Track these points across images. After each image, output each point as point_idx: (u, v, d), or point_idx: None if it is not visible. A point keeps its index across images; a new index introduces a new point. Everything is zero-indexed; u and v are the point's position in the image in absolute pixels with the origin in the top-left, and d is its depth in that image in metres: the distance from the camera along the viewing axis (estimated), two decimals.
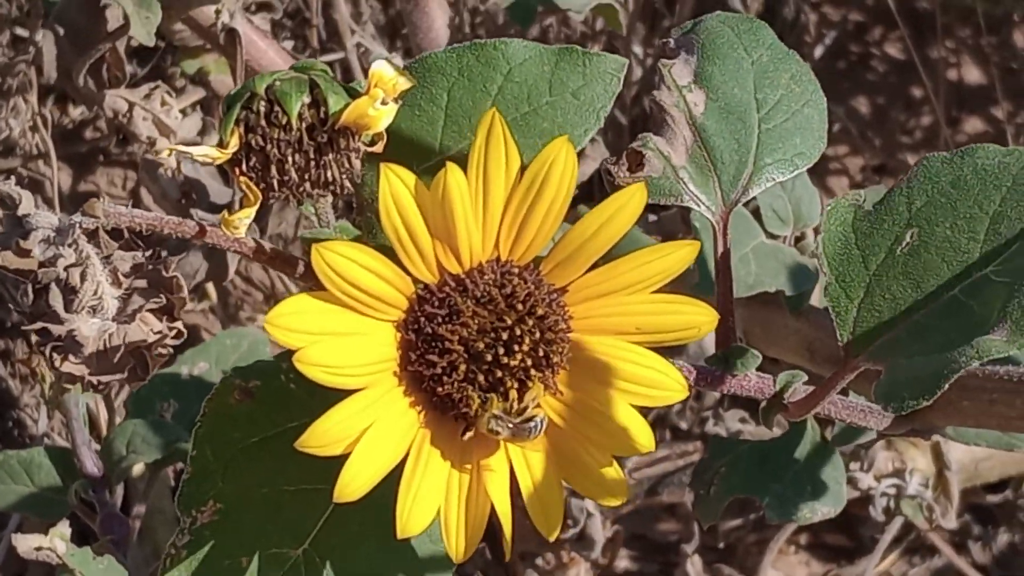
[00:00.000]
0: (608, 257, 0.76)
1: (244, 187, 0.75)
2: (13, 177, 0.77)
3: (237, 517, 0.81)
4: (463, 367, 0.74)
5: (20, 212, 0.73)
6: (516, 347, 0.74)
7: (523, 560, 1.66)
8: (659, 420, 1.80)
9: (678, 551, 1.70)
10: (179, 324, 0.76)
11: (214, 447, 0.81)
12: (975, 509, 1.80)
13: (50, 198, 1.75)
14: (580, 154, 0.75)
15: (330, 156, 0.76)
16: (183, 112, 1.49)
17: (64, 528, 1.11)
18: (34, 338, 0.74)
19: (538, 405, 0.75)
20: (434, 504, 0.74)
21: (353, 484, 0.72)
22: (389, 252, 0.74)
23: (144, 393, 1.40)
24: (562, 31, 1.93)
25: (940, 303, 0.84)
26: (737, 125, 0.89)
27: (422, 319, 0.75)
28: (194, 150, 0.74)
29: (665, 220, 1.42)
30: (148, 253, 0.76)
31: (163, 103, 1.44)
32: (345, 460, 0.72)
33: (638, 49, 1.90)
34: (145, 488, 1.37)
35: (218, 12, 1.31)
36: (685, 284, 1.17)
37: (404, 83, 0.76)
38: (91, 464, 1.27)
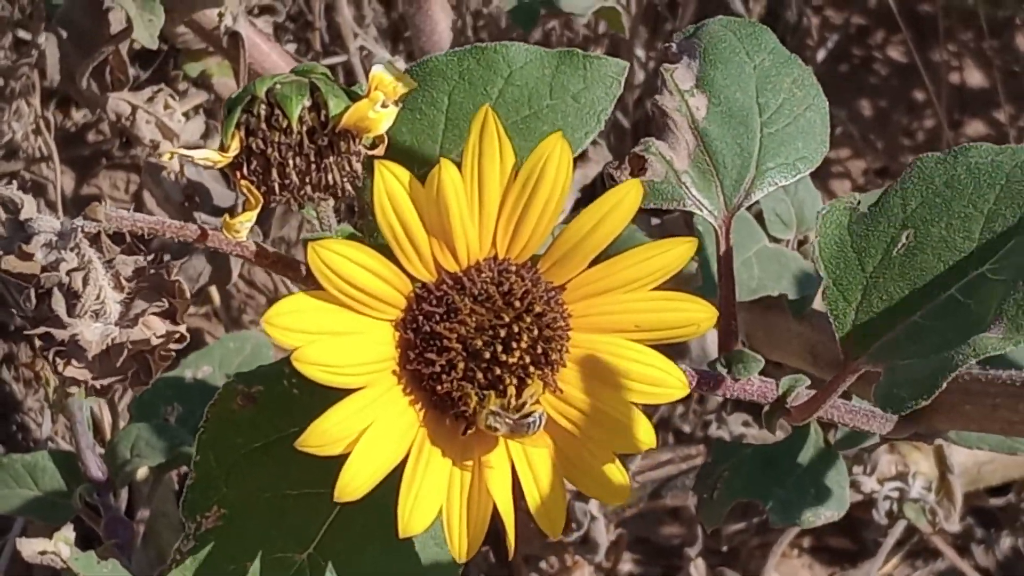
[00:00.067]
0: (607, 256, 0.76)
1: (245, 191, 0.76)
2: (16, 181, 0.77)
3: (241, 522, 0.81)
4: (462, 365, 0.74)
5: (22, 216, 0.73)
6: (514, 344, 0.74)
7: (527, 563, 1.66)
8: (662, 423, 1.80)
9: (681, 554, 1.70)
10: (182, 328, 0.76)
11: (217, 453, 0.81)
12: (978, 512, 1.80)
13: (53, 201, 1.75)
14: (583, 157, 0.75)
15: (331, 159, 0.76)
16: (186, 115, 1.49)
17: (68, 532, 1.11)
18: (37, 342, 0.74)
19: (536, 401, 0.75)
20: (436, 503, 0.74)
21: (353, 483, 0.72)
22: (387, 252, 0.74)
23: (148, 397, 1.40)
24: (564, 34, 1.93)
25: (937, 303, 0.84)
26: (739, 129, 0.89)
27: (420, 317, 0.75)
28: (195, 153, 0.75)
29: (668, 223, 1.42)
30: (151, 257, 0.76)
31: (166, 106, 1.44)
32: (345, 460, 0.72)
33: (640, 52, 1.90)
34: (149, 492, 1.37)
35: (221, 15, 1.31)
36: (688, 288, 1.17)
37: (405, 86, 0.76)
38: (95, 468, 1.27)
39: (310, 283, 0.79)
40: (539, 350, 0.75)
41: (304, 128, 0.75)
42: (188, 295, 0.76)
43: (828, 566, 1.78)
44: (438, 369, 0.74)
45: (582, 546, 1.62)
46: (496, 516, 0.76)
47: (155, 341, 0.75)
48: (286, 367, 0.81)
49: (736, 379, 0.87)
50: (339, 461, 0.72)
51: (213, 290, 1.84)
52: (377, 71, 0.75)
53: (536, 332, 0.75)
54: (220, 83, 1.75)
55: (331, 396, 0.72)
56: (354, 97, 0.76)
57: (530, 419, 0.74)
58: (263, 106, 0.75)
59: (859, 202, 0.87)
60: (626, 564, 1.75)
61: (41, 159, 1.81)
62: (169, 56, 1.83)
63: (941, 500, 1.50)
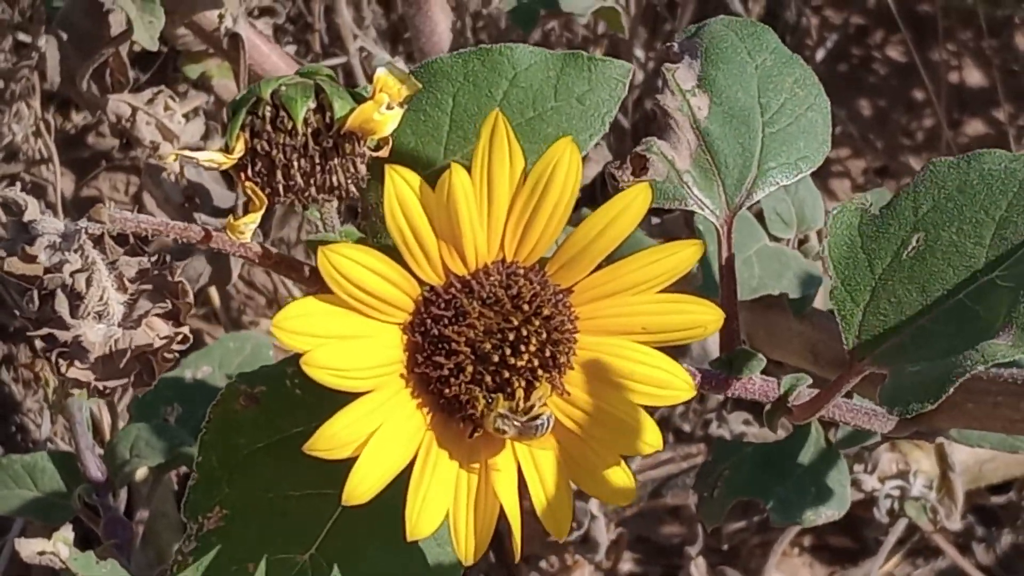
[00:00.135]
0: (612, 258, 0.76)
1: (249, 192, 0.76)
2: (18, 183, 0.77)
3: (244, 523, 0.81)
4: (470, 368, 0.74)
5: (26, 218, 0.73)
6: (523, 348, 0.74)
7: (527, 563, 1.66)
8: (662, 422, 1.80)
9: (682, 553, 1.70)
10: (185, 329, 0.76)
11: (220, 453, 0.81)
12: (979, 510, 1.80)
13: (53, 203, 1.75)
14: (584, 157, 0.75)
15: (335, 161, 0.76)
16: (186, 117, 1.49)
17: (67, 532, 1.11)
18: (39, 344, 0.74)
19: (544, 404, 0.75)
20: (443, 506, 0.74)
21: (362, 487, 0.72)
22: (394, 254, 0.74)
23: (148, 397, 1.40)
24: (564, 35, 1.93)
25: (946, 307, 0.84)
26: (741, 129, 0.89)
27: (428, 321, 0.75)
28: (200, 155, 0.75)
29: (668, 223, 1.42)
30: (153, 258, 0.76)
31: (166, 108, 1.44)
32: (351, 464, 0.72)
33: (640, 53, 1.90)
34: (148, 492, 1.37)
35: (221, 17, 1.31)
36: (688, 287, 1.17)
37: (409, 88, 0.76)
38: (95, 468, 1.26)
39: (311, 284, 0.79)
40: (547, 353, 0.75)
41: (309, 130, 0.75)
42: (191, 296, 0.76)
43: (829, 565, 1.78)
44: (446, 372, 0.74)
45: (582, 545, 1.63)
46: (500, 516, 0.76)
47: (158, 342, 0.75)
48: (289, 368, 0.81)
49: (738, 378, 0.87)
50: (342, 463, 0.72)
51: (213, 291, 1.84)
52: (382, 73, 0.75)
53: (544, 335, 0.75)
54: (220, 85, 1.75)
55: (334, 397, 0.72)
56: (359, 99, 0.76)
57: (538, 421, 0.75)
58: (268, 108, 0.75)
59: (870, 203, 0.87)
60: (626, 563, 1.75)
61: (41, 161, 1.81)
62: (169, 58, 1.83)
63: (942, 498, 1.50)
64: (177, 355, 0.76)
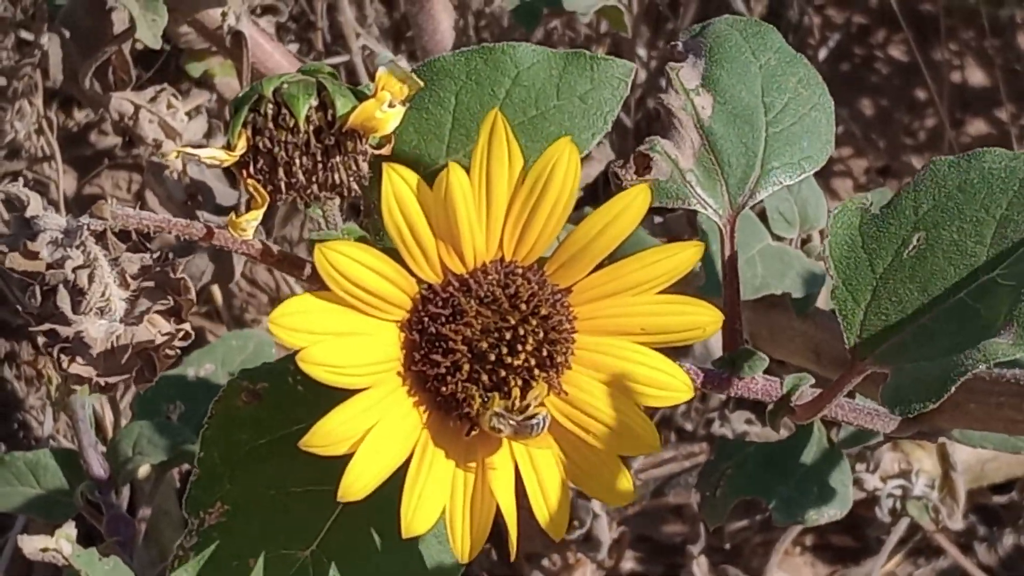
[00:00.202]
0: (613, 258, 0.76)
1: (252, 189, 0.76)
2: (20, 181, 0.77)
3: (245, 519, 0.81)
4: (467, 367, 0.74)
5: (28, 214, 0.73)
6: (520, 347, 0.74)
7: (529, 561, 1.66)
8: (664, 421, 1.80)
9: (684, 552, 1.70)
10: (187, 326, 0.76)
11: (221, 449, 0.81)
12: (981, 510, 1.80)
13: (55, 201, 1.75)
14: (586, 156, 0.75)
15: (337, 159, 0.76)
16: (189, 115, 1.49)
17: (70, 529, 1.12)
18: (41, 340, 0.74)
19: (541, 403, 0.75)
20: (439, 503, 0.74)
21: (357, 483, 0.72)
22: (394, 253, 0.74)
23: (150, 395, 1.40)
24: (566, 33, 1.93)
25: (947, 306, 0.84)
26: (744, 128, 0.89)
27: (426, 319, 0.75)
28: (202, 152, 0.75)
29: (671, 222, 1.42)
30: (156, 255, 0.76)
31: (169, 106, 1.45)
32: (350, 460, 0.72)
33: (642, 51, 1.90)
34: (151, 490, 1.38)
35: (224, 15, 1.31)
36: (691, 287, 1.18)
37: (411, 86, 0.76)
38: (97, 466, 1.27)
39: (314, 282, 0.79)
40: (544, 352, 0.75)
41: (311, 127, 0.75)
42: (193, 293, 0.76)
43: (831, 564, 1.78)
44: (443, 370, 0.74)
45: (584, 544, 1.63)
46: (499, 516, 0.76)
47: (160, 339, 0.75)
48: (291, 364, 0.81)
49: (741, 378, 0.87)
50: (343, 459, 0.72)
51: (215, 289, 1.84)
52: (384, 71, 0.75)
53: (542, 335, 0.75)
54: (222, 83, 1.75)
55: (336, 394, 0.72)
56: (361, 97, 0.76)
57: (534, 421, 0.74)
58: (270, 105, 0.75)
59: (871, 203, 0.87)
60: (628, 562, 1.75)
61: (43, 159, 1.81)
62: (171, 56, 1.83)
63: (944, 498, 1.50)
64: (179, 352, 0.76)
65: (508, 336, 0.74)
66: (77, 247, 0.73)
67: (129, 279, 0.75)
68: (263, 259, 0.79)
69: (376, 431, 0.73)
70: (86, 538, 1.17)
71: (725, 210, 0.89)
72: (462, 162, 0.73)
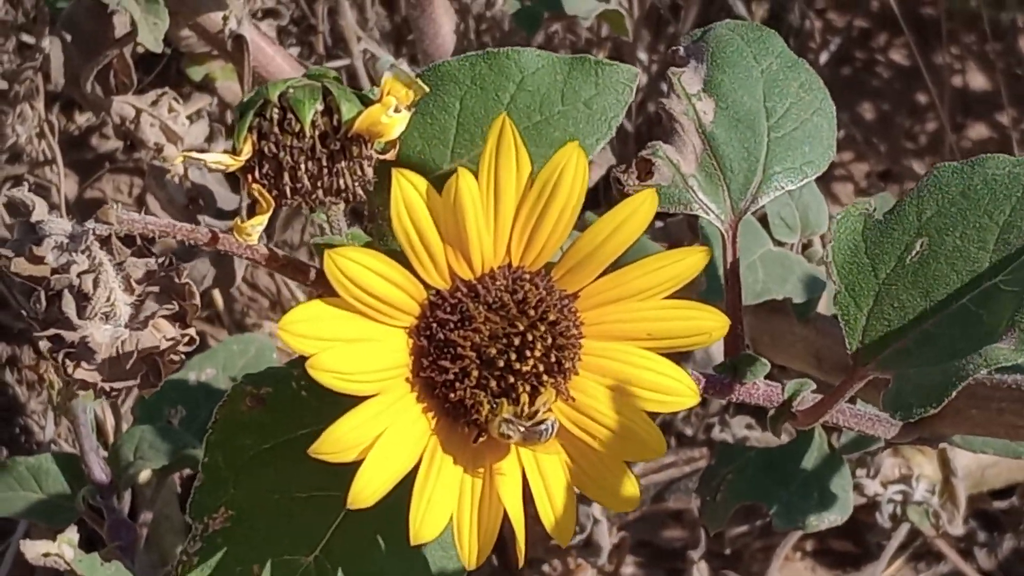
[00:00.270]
0: (617, 264, 0.76)
1: (256, 194, 0.76)
2: (25, 184, 0.77)
3: (249, 524, 0.81)
4: (475, 373, 0.74)
5: (33, 219, 0.73)
6: (528, 352, 0.74)
7: (530, 566, 1.66)
8: (665, 427, 1.80)
9: (684, 557, 1.70)
10: (191, 331, 0.76)
11: (226, 454, 0.81)
12: (981, 515, 1.80)
13: (57, 205, 1.75)
14: (589, 162, 0.75)
15: (343, 163, 0.76)
16: (190, 118, 1.49)
17: (72, 534, 1.11)
18: (46, 345, 0.74)
19: (549, 409, 0.75)
20: (447, 510, 0.74)
21: (366, 490, 0.72)
22: (400, 258, 0.74)
23: (151, 399, 1.40)
24: (567, 37, 1.93)
25: (949, 312, 0.84)
26: (746, 133, 0.89)
27: (434, 325, 0.75)
28: (207, 157, 0.75)
29: (672, 226, 1.42)
30: (161, 260, 0.76)
31: (170, 109, 1.45)
32: (357, 467, 0.72)
33: (643, 56, 1.90)
34: (152, 495, 1.38)
35: (225, 18, 1.31)
36: (692, 292, 1.18)
37: (416, 91, 0.76)
38: (99, 470, 1.27)
39: (317, 286, 0.79)
40: (552, 358, 0.75)
41: (316, 132, 0.75)
42: (197, 298, 0.76)
43: (831, 569, 1.78)
44: (451, 377, 0.74)
45: (585, 549, 1.63)
46: (503, 520, 0.76)
47: (164, 344, 0.75)
48: (295, 369, 0.81)
49: (742, 383, 0.87)
50: (347, 465, 0.72)
51: (216, 293, 1.84)
52: (389, 76, 0.75)
53: (550, 340, 0.75)
54: (224, 87, 1.75)
55: (341, 400, 0.72)
56: (366, 102, 0.76)
57: (542, 427, 0.75)
58: (275, 110, 0.75)
59: (874, 208, 0.87)
60: (629, 567, 1.75)
61: (45, 163, 1.81)
62: (172, 60, 1.83)
63: (944, 503, 1.50)
64: (184, 357, 0.76)
65: (517, 342, 0.74)
66: (82, 252, 0.73)
67: (134, 284, 0.75)
68: (268, 264, 0.79)
69: (385, 437, 0.73)
70: (88, 543, 1.17)
71: (727, 215, 0.89)
72: (467, 167, 0.73)
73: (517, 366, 0.74)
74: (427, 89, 0.77)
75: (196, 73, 1.75)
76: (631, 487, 0.78)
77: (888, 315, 0.85)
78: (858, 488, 1.49)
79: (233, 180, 1.52)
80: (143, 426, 1.32)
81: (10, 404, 1.77)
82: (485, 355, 0.74)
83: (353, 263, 0.72)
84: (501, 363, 0.74)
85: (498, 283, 0.75)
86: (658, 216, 1.32)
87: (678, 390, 0.78)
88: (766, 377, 0.88)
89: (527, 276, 0.76)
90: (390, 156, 0.77)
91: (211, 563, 0.80)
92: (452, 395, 0.75)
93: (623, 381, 0.77)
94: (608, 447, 0.77)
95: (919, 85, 2.12)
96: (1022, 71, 2.17)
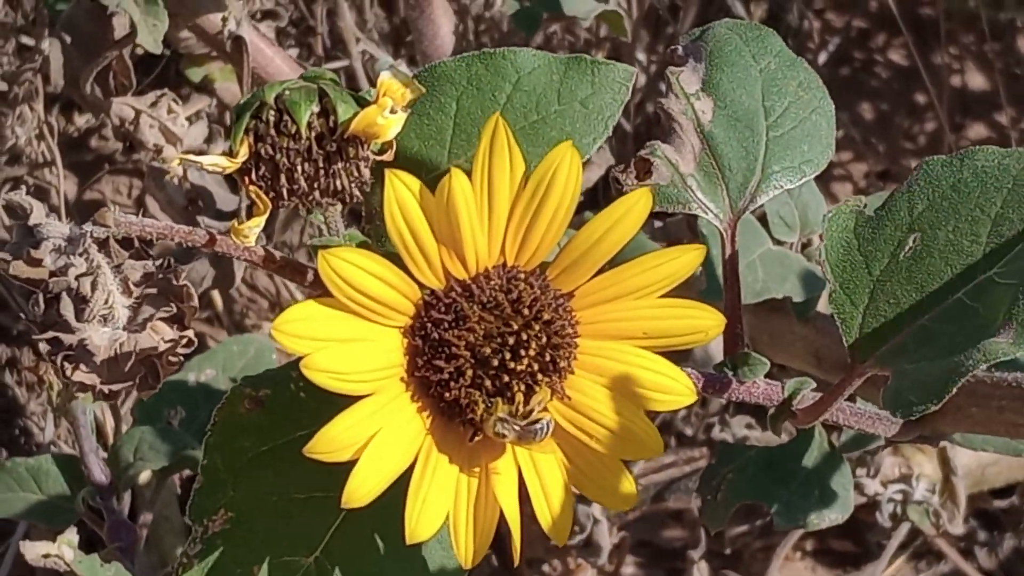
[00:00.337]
0: (614, 262, 0.76)
1: (254, 196, 0.76)
2: (24, 186, 0.77)
3: (248, 525, 0.81)
4: (470, 372, 0.74)
5: (31, 222, 0.73)
6: (523, 352, 0.74)
7: (530, 567, 1.66)
8: (665, 426, 1.80)
9: (684, 557, 1.70)
10: (189, 332, 0.76)
11: (224, 456, 0.81)
12: (982, 515, 1.80)
13: (56, 206, 1.75)
14: (586, 161, 0.75)
15: (339, 165, 0.76)
16: (189, 120, 1.49)
17: (72, 535, 1.12)
18: (45, 348, 0.74)
19: (544, 408, 0.75)
20: (443, 509, 0.74)
21: (361, 490, 0.72)
22: (396, 259, 0.74)
23: (151, 400, 1.40)
24: (566, 38, 1.93)
25: (945, 307, 0.84)
26: (745, 133, 0.89)
27: (429, 325, 0.75)
28: (204, 159, 0.75)
29: (671, 226, 1.42)
30: (158, 262, 0.76)
31: (170, 111, 1.45)
32: (353, 467, 0.72)
33: (642, 56, 1.90)
34: (152, 496, 1.38)
35: (225, 20, 1.31)
36: (692, 291, 1.18)
37: (413, 92, 0.76)
38: (98, 471, 1.27)
39: (316, 288, 0.79)
40: (547, 357, 0.75)
41: (313, 134, 0.75)
42: (196, 300, 0.76)
43: (831, 569, 1.78)
44: (446, 376, 0.74)
45: (585, 549, 1.63)
46: (502, 521, 0.76)
47: (163, 346, 0.75)
48: (293, 371, 0.81)
49: (742, 382, 0.87)
50: (346, 466, 0.72)
51: (215, 294, 1.84)
52: (385, 77, 0.75)
53: (544, 339, 0.75)
54: (223, 88, 1.75)
55: (339, 401, 0.72)
56: (363, 103, 0.76)
57: (538, 426, 0.75)
58: (272, 112, 0.75)
59: (865, 205, 0.87)
60: (629, 567, 1.75)
61: (44, 164, 1.81)
62: (171, 61, 1.83)
63: (945, 502, 1.50)
64: (182, 358, 0.76)
65: (511, 341, 0.74)
66: (80, 255, 0.73)
67: (132, 286, 0.75)
68: (265, 265, 0.79)
69: (380, 437, 0.73)
70: (87, 544, 1.17)
71: (726, 214, 0.89)
72: (463, 167, 0.73)
73: (512, 365, 0.74)
74: (423, 90, 0.77)
75: (195, 74, 1.75)
76: (629, 486, 0.78)
77: (884, 311, 0.85)
78: (858, 487, 1.49)
79: (232, 181, 1.51)
80: (143, 427, 1.32)
81: (10, 406, 1.78)
82: (480, 354, 0.74)
83: (347, 263, 0.72)
84: (496, 362, 0.74)
85: (492, 282, 0.75)
86: (657, 216, 1.32)
87: (675, 389, 0.78)
88: (766, 376, 0.88)
89: (522, 275, 0.75)
90: (387, 157, 0.77)
91: (210, 565, 0.80)
92: (447, 394, 0.75)
93: (620, 380, 0.77)
94: (605, 446, 0.77)
95: (918, 85, 2.12)
96: (1021, 71, 2.17)
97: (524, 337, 0.74)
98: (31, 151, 1.78)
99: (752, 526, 1.73)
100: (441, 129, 0.82)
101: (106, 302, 0.73)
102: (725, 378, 0.87)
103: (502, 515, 0.76)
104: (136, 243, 0.76)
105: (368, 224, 0.82)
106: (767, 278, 1.24)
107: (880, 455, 1.51)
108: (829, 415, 0.88)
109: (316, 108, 0.76)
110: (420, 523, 0.73)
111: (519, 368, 0.74)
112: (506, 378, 0.74)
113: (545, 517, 0.77)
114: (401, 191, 0.72)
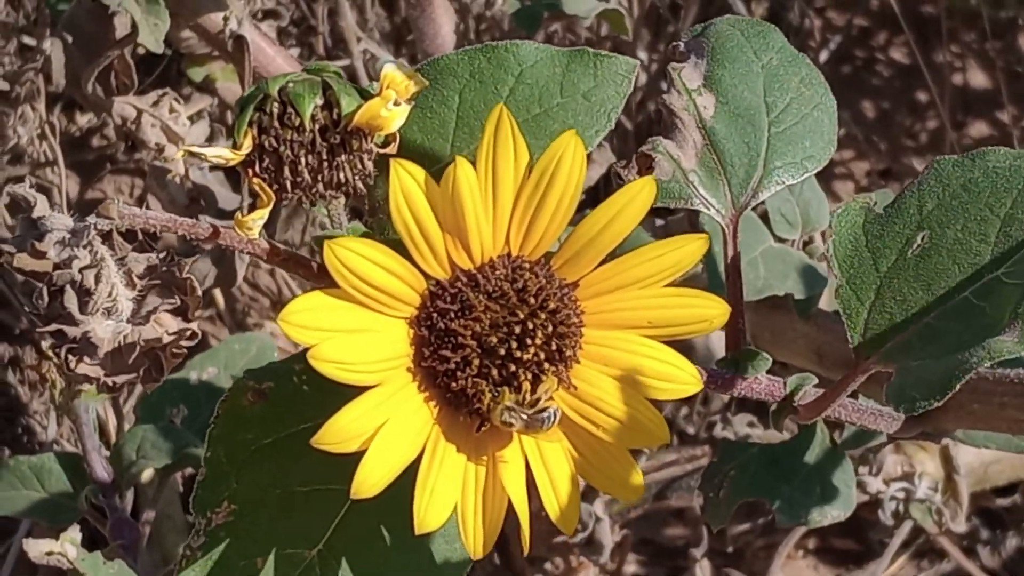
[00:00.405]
0: (616, 255, 0.76)
1: (257, 188, 0.76)
2: (26, 183, 0.77)
3: (251, 518, 0.81)
4: (476, 362, 0.74)
5: (35, 214, 0.73)
6: (529, 341, 0.74)
7: (532, 564, 1.66)
8: (667, 424, 1.80)
9: (686, 555, 1.70)
10: (193, 325, 0.76)
11: (228, 448, 0.81)
12: (984, 513, 1.80)
13: (58, 205, 1.75)
14: (588, 158, 0.75)
15: (343, 157, 0.76)
16: (191, 119, 1.49)
17: (74, 533, 1.12)
18: (48, 340, 0.75)
19: (550, 397, 0.76)
20: (451, 499, 0.74)
21: (369, 480, 0.72)
22: (401, 250, 0.74)
23: (153, 399, 1.40)
24: (567, 37, 1.93)
25: (951, 305, 0.84)
26: (747, 128, 0.89)
27: (434, 315, 0.75)
28: (208, 151, 0.75)
29: (673, 224, 1.42)
30: (162, 254, 0.76)
31: (171, 110, 1.45)
32: (358, 459, 0.72)
33: (643, 55, 1.91)
34: (154, 494, 1.38)
35: (226, 19, 1.31)
36: (693, 287, 1.18)
37: (416, 85, 0.76)
38: (101, 469, 1.27)
39: (320, 281, 0.79)
40: (553, 346, 0.75)
41: (316, 126, 0.75)
42: (199, 292, 0.77)
43: (834, 567, 1.78)
44: (453, 366, 0.75)
45: (587, 547, 1.63)
46: (504, 519, 0.76)
47: (167, 338, 0.75)
48: (296, 364, 0.81)
49: (744, 378, 0.87)
50: (349, 458, 0.72)
51: (217, 293, 1.84)
52: (389, 70, 0.75)
53: (550, 328, 0.75)
54: (224, 87, 1.75)
55: (342, 393, 0.72)
56: (366, 96, 0.76)
57: (544, 415, 0.75)
58: (275, 104, 0.75)
59: (874, 202, 0.87)
60: (631, 565, 1.75)
61: (46, 163, 1.81)
62: (173, 61, 1.83)
63: (947, 500, 1.50)
64: (185, 351, 0.77)
65: (517, 330, 0.74)
66: (84, 247, 0.73)
67: (135, 279, 0.75)
68: (269, 259, 0.79)
69: (387, 428, 0.73)
70: (90, 542, 1.17)
71: (728, 210, 0.89)
72: (466, 159, 0.73)
73: (518, 354, 0.74)
74: (427, 82, 0.77)
75: (197, 74, 1.75)
76: (636, 476, 0.78)
77: (890, 308, 0.85)
78: (860, 486, 1.49)
79: (234, 180, 1.52)
80: (145, 425, 1.33)
81: (12, 404, 1.78)
82: (486, 344, 0.74)
83: (353, 253, 0.72)
84: (502, 352, 0.74)
85: (498, 272, 0.75)
86: (659, 214, 1.32)
87: (680, 377, 0.78)
88: (768, 373, 0.88)
89: (527, 265, 0.76)
90: (390, 150, 0.78)
91: (214, 557, 0.81)
92: (454, 384, 0.75)
93: (625, 369, 0.77)
94: (611, 435, 0.77)
95: (919, 83, 2.12)
96: (1022, 69, 2.18)
97: (530, 326, 0.75)
98: (33, 151, 1.78)
99: (754, 524, 1.73)
100: (444, 122, 0.83)
101: (110, 294, 0.73)
102: (728, 374, 0.87)
103: (508, 509, 0.76)
104: (140, 236, 0.76)
105: (371, 217, 0.82)
106: (769, 275, 1.24)
107: (882, 453, 1.51)
108: (831, 411, 0.88)
109: (320, 100, 0.76)
110: (428, 513, 0.73)
111: (525, 357, 0.74)
112: (512, 367, 0.74)
113: (552, 506, 0.77)
114: (407, 181, 0.72)
